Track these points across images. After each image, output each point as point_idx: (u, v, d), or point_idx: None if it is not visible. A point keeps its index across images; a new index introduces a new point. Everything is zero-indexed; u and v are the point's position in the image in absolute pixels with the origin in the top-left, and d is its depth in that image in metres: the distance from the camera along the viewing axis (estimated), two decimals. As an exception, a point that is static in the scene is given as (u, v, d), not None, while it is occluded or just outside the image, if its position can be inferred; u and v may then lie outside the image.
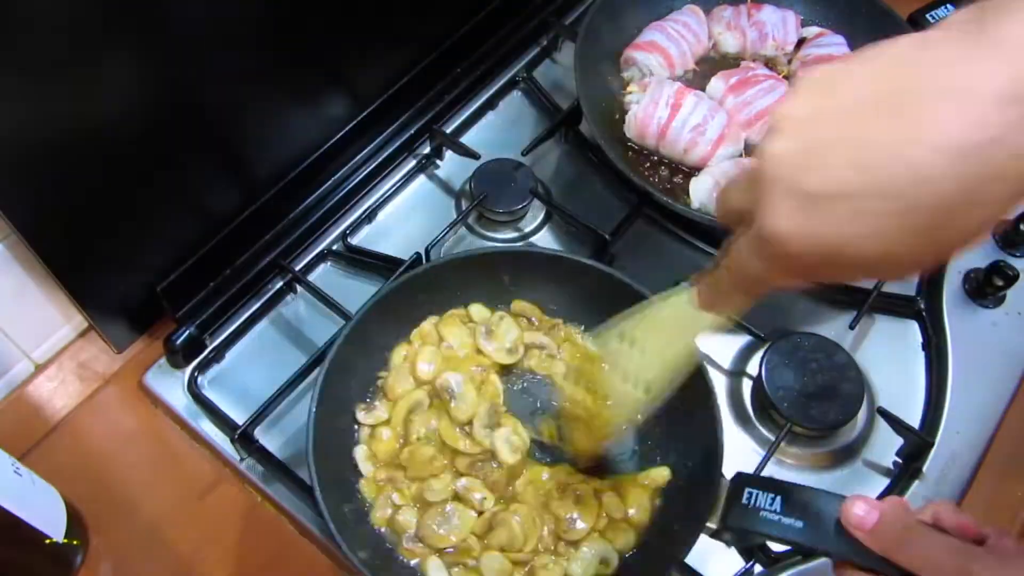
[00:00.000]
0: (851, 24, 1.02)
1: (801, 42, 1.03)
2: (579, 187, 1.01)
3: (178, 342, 0.86)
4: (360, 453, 0.78)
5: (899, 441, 0.84)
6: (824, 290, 0.93)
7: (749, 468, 0.80)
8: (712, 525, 0.68)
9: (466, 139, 1.03)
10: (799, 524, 0.64)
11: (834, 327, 0.90)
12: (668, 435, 0.79)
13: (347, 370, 0.78)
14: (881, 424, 0.84)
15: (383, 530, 0.75)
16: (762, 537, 0.66)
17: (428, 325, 0.83)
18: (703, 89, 0.97)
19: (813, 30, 1.02)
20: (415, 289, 0.81)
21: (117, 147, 0.73)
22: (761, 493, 0.66)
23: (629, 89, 0.98)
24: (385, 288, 0.80)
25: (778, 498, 0.66)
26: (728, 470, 0.80)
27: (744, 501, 0.67)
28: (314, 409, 0.73)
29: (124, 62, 0.69)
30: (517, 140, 1.01)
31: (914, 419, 0.86)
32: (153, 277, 0.84)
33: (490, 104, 1.06)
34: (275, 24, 0.80)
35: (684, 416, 0.77)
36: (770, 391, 0.83)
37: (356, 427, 0.79)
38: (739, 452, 0.84)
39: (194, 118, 0.78)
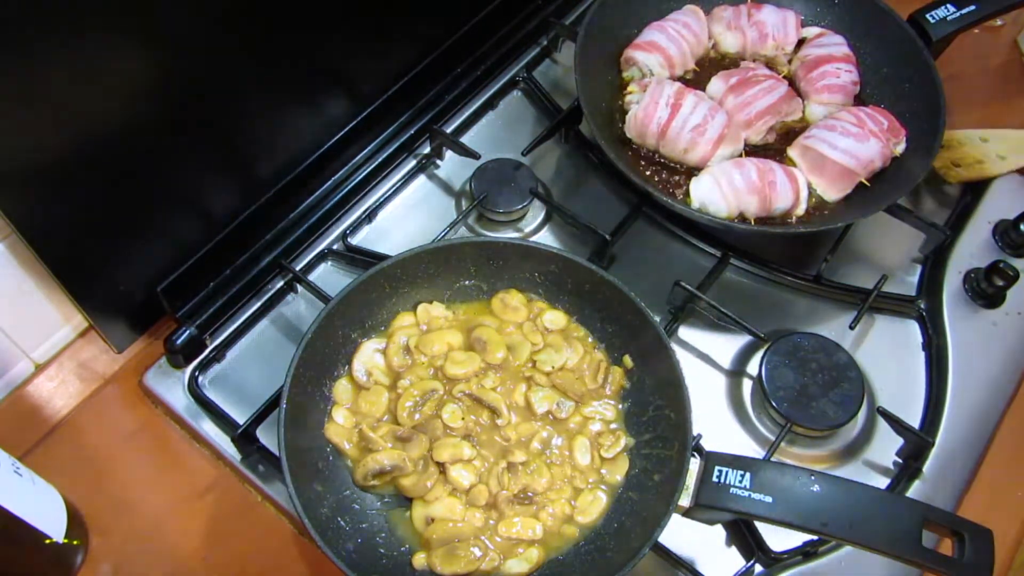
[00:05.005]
0: (851, 24, 1.02)
1: (801, 42, 1.02)
2: (579, 187, 1.01)
3: (178, 342, 0.85)
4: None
5: (899, 441, 0.84)
6: (824, 290, 0.93)
7: (749, 468, 0.80)
8: (684, 504, 0.69)
9: (466, 139, 1.03)
10: (768, 499, 0.65)
11: (834, 327, 0.91)
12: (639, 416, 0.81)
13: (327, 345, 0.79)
14: (881, 424, 0.84)
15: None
16: (733, 514, 0.68)
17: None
18: (703, 89, 0.97)
19: (813, 30, 1.02)
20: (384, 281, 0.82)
21: (117, 148, 0.73)
22: (731, 471, 0.68)
23: (629, 89, 0.97)
24: (355, 281, 0.80)
25: (747, 475, 0.67)
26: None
27: (715, 479, 0.68)
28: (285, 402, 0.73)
29: (123, 63, 0.69)
30: (517, 140, 1.00)
31: (914, 419, 0.86)
32: (153, 277, 0.84)
33: (490, 104, 1.06)
34: (275, 24, 0.80)
35: (656, 398, 0.78)
36: (770, 391, 0.83)
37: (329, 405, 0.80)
38: (738, 451, 0.83)
39: (194, 118, 0.78)
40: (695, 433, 0.74)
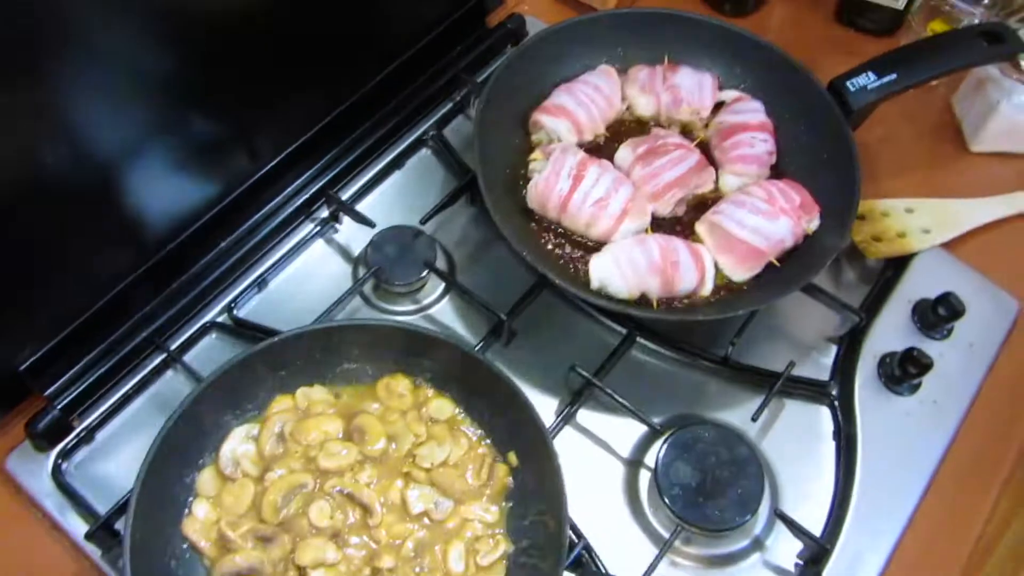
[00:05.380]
0: (770, 88, 0.97)
1: (719, 106, 0.98)
2: (486, 252, 0.96)
3: (41, 425, 0.80)
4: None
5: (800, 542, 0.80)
6: (733, 373, 0.88)
7: (641, 567, 0.76)
8: None
9: (369, 200, 0.98)
10: None
11: (742, 412, 0.86)
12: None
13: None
14: (782, 524, 0.79)
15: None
16: None
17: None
18: (613, 154, 0.93)
19: (731, 94, 0.98)
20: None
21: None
22: None
23: (532, 156, 0.92)
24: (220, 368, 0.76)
25: None
26: (620, 568, 0.76)
27: None
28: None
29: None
30: (424, 202, 0.95)
31: (820, 513, 0.82)
32: (15, 353, 0.79)
33: (396, 164, 1.01)
34: (160, 78, 0.75)
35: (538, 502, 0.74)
36: (664, 487, 0.79)
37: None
38: (631, 549, 0.79)
39: (65, 179, 0.73)
40: (577, 541, 0.70)
